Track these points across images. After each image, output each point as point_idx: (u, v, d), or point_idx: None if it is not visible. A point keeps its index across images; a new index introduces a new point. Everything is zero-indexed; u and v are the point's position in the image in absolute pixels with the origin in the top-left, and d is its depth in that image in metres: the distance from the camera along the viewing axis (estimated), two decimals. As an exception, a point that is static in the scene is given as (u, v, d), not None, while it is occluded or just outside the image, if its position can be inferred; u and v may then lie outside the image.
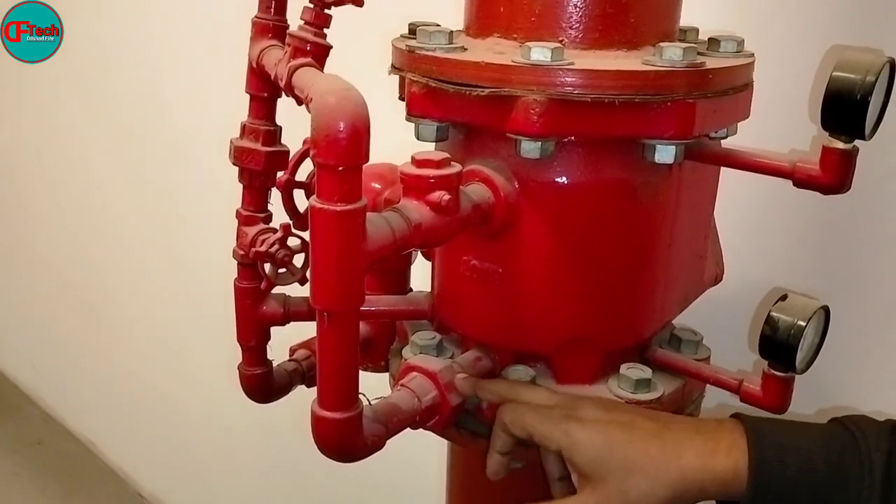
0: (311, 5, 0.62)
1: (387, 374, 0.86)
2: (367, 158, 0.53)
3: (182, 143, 1.83)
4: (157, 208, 2.05)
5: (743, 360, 0.95)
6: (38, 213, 2.59)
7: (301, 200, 0.85)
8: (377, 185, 0.86)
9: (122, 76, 1.94)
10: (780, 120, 0.83)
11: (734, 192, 0.80)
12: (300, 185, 0.86)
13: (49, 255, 2.60)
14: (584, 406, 0.64)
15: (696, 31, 0.78)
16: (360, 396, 0.62)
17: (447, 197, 0.61)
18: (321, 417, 0.59)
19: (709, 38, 0.71)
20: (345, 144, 0.52)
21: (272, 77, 0.64)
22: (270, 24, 0.70)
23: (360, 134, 0.52)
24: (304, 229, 0.87)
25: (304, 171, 0.83)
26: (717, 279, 0.86)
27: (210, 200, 1.69)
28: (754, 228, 0.96)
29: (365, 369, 0.94)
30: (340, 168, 0.53)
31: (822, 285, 0.92)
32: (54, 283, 2.62)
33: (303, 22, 0.63)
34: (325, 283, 0.56)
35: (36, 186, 2.56)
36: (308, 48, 0.62)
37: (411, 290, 0.94)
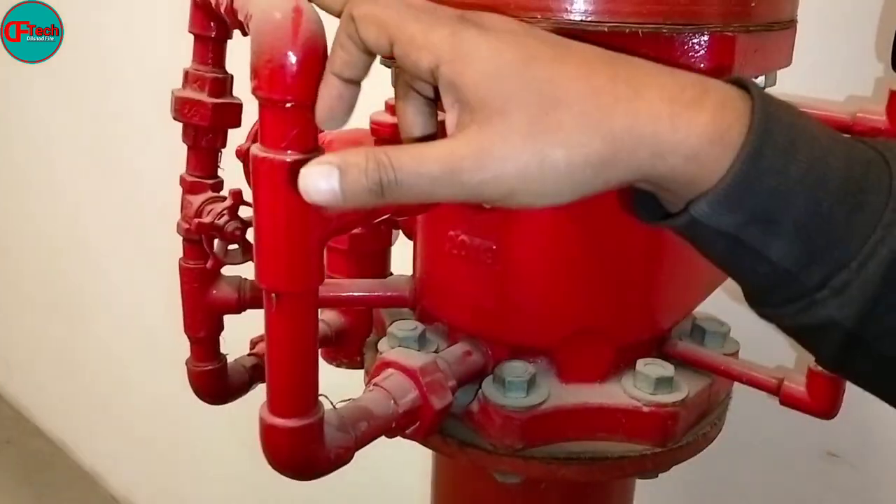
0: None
1: (361, 371, 0.74)
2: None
3: (160, 144, 1.72)
4: (129, 204, 1.94)
5: (777, 354, 0.84)
6: (7, 209, 2.48)
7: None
8: (352, 154, 0.75)
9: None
10: (836, 58, 0.70)
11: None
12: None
13: (20, 252, 2.49)
14: (487, 15, 0.40)
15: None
16: (322, 399, 0.50)
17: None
18: (271, 426, 0.47)
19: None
20: (295, 72, 0.40)
21: (213, 4, 0.52)
22: (216, -50, 0.58)
23: (315, 57, 0.40)
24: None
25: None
26: (744, 262, 0.74)
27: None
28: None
29: (338, 365, 0.82)
30: (289, 104, 0.41)
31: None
32: (25, 280, 2.51)
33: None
34: (273, 255, 0.44)
35: (2, 182, 2.46)
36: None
37: (391, 275, 0.82)
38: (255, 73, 0.40)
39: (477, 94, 0.37)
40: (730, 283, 0.70)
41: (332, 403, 0.52)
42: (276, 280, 0.44)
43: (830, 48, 0.69)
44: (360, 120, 0.60)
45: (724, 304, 0.70)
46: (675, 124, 0.36)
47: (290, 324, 0.46)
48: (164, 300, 1.92)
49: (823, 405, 0.57)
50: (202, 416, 1.82)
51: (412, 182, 0.37)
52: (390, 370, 0.58)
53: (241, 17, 0.45)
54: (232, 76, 0.63)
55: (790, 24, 0.56)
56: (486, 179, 0.37)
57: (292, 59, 0.40)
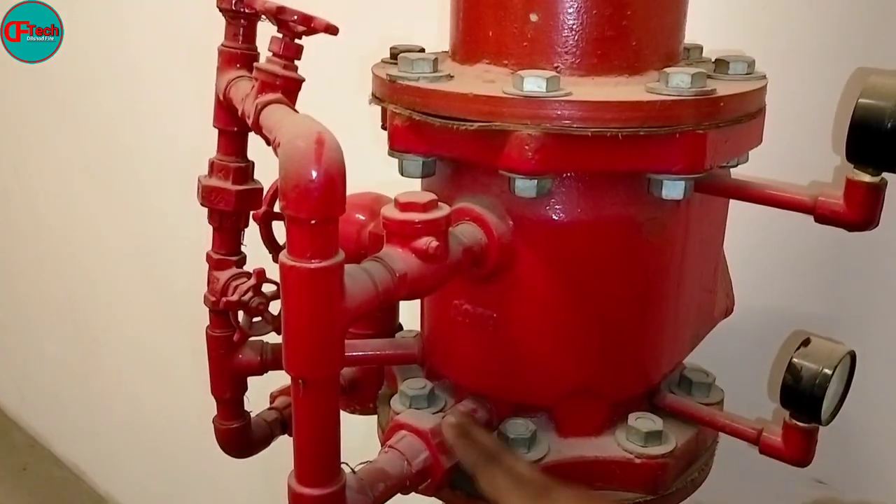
0: (280, 35, 0.56)
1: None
2: (342, 210, 0.47)
3: (167, 160, 1.76)
4: (142, 231, 1.98)
5: (754, 393, 0.89)
6: (25, 239, 2.52)
7: (280, 231, 0.80)
8: (361, 217, 0.80)
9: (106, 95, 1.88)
10: (800, 148, 0.77)
11: (733, 216, 0.74)
12: (278, 216, 0.80)
13: (36, 281, 2.53)
14: (562, 495, 0.58)
15: (700, 49, 0.72)
16: (343, 466, 0.55)
17: (435, 243, 0.55)
18: (299, 494, 0.53)
19: (716, 59, 0.66)
20: (318, 195, 0.46)
21: (239, 112, 0.58)
22: (238, 53, 0.64)
23: (334, 183, 0.46)
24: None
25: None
26: (728, 311, 0.80)
27: (197, 221, 1.63)
28: (758, 253, 0.90)
29: (352, 412, 0.88)
30: (313, 221, 0.47)
31: (832, 313, 0.87)
32: (39, 308, 2.55)
33: (271, 53, 0.57)
34: (300, 347, 0.50)
35: (15, 207, 2.50)
36: (277, 82, 0.56)
37: (400, 325, 0.88)
38: (284, 195, 0.46)
39: None
40: (715, 330, 0.76)
41: (351, 469, 0.58)
42: (304, 368, 0.50)
43: (795, 138, 0.75)
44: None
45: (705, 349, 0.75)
46: None
47: (316, 405, 0.51)
48: (179, 330, 1.98)
49: (798, 455, 0.63)
50: (216, 441, 1.87)
51: None
52: (403, 432, 0.64)
53: (268, 135, 0.51)
54: (253, 163, 0.69)
55: (758, 113, 0.62)
56: None
57: (316, 184, 0.46)
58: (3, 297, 2.72)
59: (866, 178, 0.55)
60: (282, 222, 0.79)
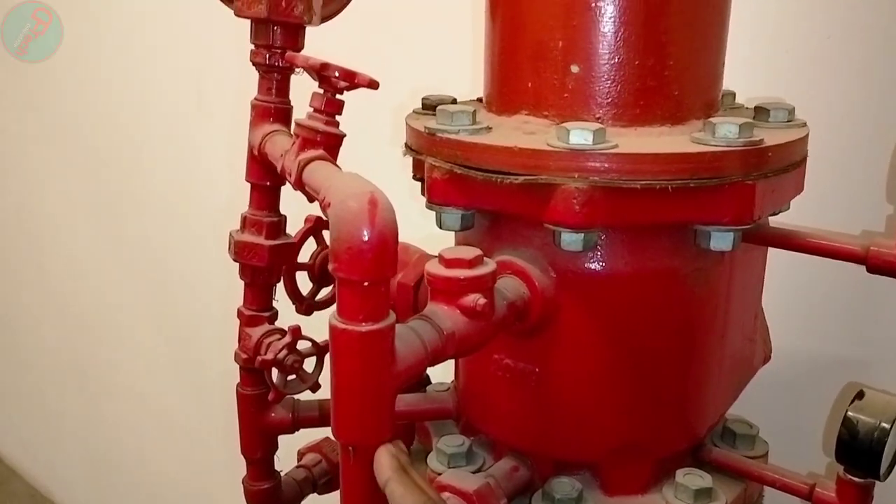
0: (321, 91, 0.55)
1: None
2: (395, 271, 0.46)
3: (170, 198, 1.75)
4: (147, 274, 1.97)
5: (789, 443, 0.88)
6: (27, 287, 2.50)
7: (303, 281, 0.78)
8: (389, 268, 0.79)
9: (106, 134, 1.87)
10: (852, 198, 0.76)
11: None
12: (303, 266, 0.78)
13: (38, 332, 2.50)
14: None
15: (733, 95, 0.72)
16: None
17: (483, 300, 0.53)
18: (348, 565, 0.51)
19: (756, 107, 0.65)
20: (371, 257, 0.45)
21: (278, 169, 0.57)
22: (272, 108, 0.63)
23: (388, 244, 0.45)
24: (307, 314, 0.80)
25: (307, 249, 0.76)
26: (766, 359, 0.78)
27: (201, 264, 1.61)
28: (784, 297, 0.89)
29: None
30: (366, 283, 0.45)
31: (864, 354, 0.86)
32: (40, 355, 2.52)
33: (312, 109, 0.56)
34: (351, 414, 0.48)
35: (22, 260, 2.48)
36: (318, 139, 0.55)
37: (428, 377, 0.86)
38: (336, 256, 0.45)
39: None
40: (755, 379, 0.74)
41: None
42: (354, 435, 0.48)
43: (848, 188, 0.74)
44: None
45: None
46: None
47: (367, 473, 0.49)
48: (182, 377, 1.95)
49: None
50: (220, 492, 1.83)
51: None
52: (447, 494, 0.61)
53: (312, 193, 0.50)
54: (285, 217, 0.68)
55: (803, 161, 0.61)
56: None
57: (369, 245, 0.44)
58: (5, 345, 2.69)
59: (922, 227, 0.54)
60: (304, 272, 0.79)
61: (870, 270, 0.57)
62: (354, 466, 0.49)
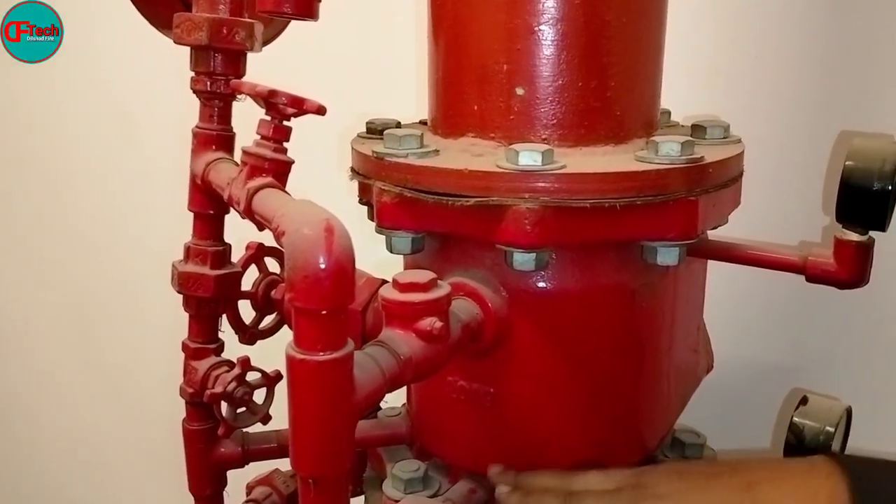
0: (269, 118, 0.54)
1: None
2: (352, 298, 0.45)
3: (102, 232, 1.68)
4: (72, 310, 1.88)
5: (735, 444, 0.90)
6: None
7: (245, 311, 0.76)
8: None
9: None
10: (788, 210, 0.79)
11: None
12: (245, 294, 0.77)
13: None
14: (652, 480, 0.58)
15: (669, 113, 0.74)
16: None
17: (439, 324, 0.53)
18: None
19: (692, 125, 0.67)
20: (329, 285, 0.44)
21: (224, 197, 0.56)
22: (215, 135, 0.62)
23: (346, 272, 0.44)
24: (251, 343, 0.78)
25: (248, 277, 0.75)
26: (709, 369, 0.80)
27: (140, 297, 1.55)
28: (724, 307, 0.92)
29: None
30: (323, 312, 0.44)
31: (802, 360, 0.89)
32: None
33: (259, 136, 0.55)
34: (311, 446, 0.47)
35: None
36: (267, 166, 0.54)
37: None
38: (292, 286, 0.44)
39: None
40: (700, 389, 0.76)
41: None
42: (315, 467, 0.47)
43: (784, 200, 0.77)
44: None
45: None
46: None
47: (327, 505, 0.48)
48: (126, 420, 1.86)
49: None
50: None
51: None
52: (406, 521, 0.61)
53: (263, 221, 0.49)
54: (230, 245, 0.67)
55: (740, 176, 0.64)
56: None
57: (326, 273, 0.43)
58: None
59: (855, 237, 0.56)
60: (247, 301, 0.77)
61: (809, 280, 0.59)
62: (315, 499, 0.48)
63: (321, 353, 0.45)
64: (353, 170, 0.66)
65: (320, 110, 0.52)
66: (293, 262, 0.44)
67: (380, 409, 0.83)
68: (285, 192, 0.54)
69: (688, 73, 0.82)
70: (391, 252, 0.63)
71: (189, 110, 0.64)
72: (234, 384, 0.62)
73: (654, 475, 0.58)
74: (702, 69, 0.85)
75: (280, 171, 0.54)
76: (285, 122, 0.54)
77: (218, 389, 0.61)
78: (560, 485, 0.60)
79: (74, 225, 1.72)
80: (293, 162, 0.55)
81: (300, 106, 0.52)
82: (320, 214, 0.45)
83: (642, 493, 0.56)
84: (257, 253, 0.73)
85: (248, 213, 0.52)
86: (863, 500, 0.50)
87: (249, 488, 0.79)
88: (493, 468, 0.62)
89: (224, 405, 0.64)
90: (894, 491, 0.51)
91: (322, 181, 0.71)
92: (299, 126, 0.65)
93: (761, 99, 0.82)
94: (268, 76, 0.61)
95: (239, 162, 0.56)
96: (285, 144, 0.55)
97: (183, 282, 0.64)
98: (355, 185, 0.66)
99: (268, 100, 0.52)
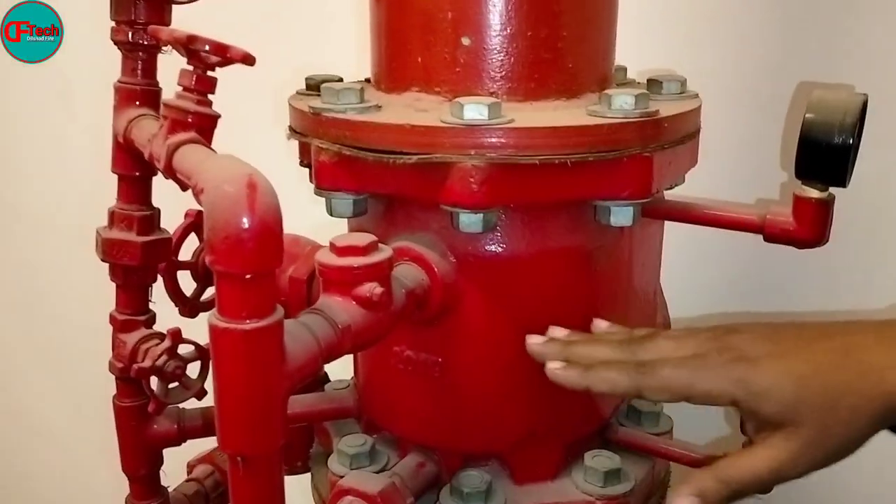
0: (191, 68, 0.49)
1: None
2: (280, 261, 0.42)
3: (24, 199, 1.60)
4: (9, 281, 1.81)
5: (691, 411, 0.88)
6: None
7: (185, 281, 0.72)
8: (278, 261, 0.74)
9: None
10: (745, 167, 0.76)
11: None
12: (185, 265, 0.72)
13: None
14: (740, 342, 0.50)
15: (625, 70, 0.71)
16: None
17: (379, 290, 0.50)
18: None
19: (648, 80, 0.64)
20: (252, 247, 0.40)
21: (146, 155, 0.51)
22: (138, 90, 0.57)
23: (271, 232, 0.40)
24: (192, 316, 0.74)
25: (188, 246, 0.71)
26: (666, 334, 0.78)
27: (67, 267, 1.50)
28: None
29: (279, 473, 0.81)
30: (248, 276, 0.41)
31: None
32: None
33: (181, 88, 0.51)
34: (238, 422, 0.43)
35: None
36: (190, 120, 0.49)
37: (326, 374, 0.82)
38: (212, 248, 0.40)
39: (775, 419, 0.48)
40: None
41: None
42: (243, 444, 0.44)
43: (740, 156, 0.75)
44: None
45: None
46: None
47: (258, 485, 0.45)
48: (58, 396, 1.79)
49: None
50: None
51: (748, 486, 0.48)
52: (350, 498, 0.58)
53: (184, 179, 0.45)
54: (159, 210, 0.62)
55: (697, 133, 0.61)
56: (800, 473, 0.49)
57: (250, 234, 0.40)
58: None
59: (815, 193, 0.54)
60: (187, 271, 0.73)
61: (767, 239, 0.57)
62: (244, 478, 0.44)
63: (247, 322, 0.41)
64: (290, 128, 0.61)
65: (246, 58, 0.48)
66: (212, 222, 0.40)
67: (328, 381, 0.80)
68: (210, 148, 0.50)
69: (642, 27, 0.79)
70: (331, 215, 0.59)
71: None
72: (164, 358, 0.58)
73: (740, 337, 0.51)
74: (656, 23, 0.82)
75: (204, 125, 0.50)
76: (209, 73, 0.50)
77: (146, 363, 0.57)
78: (625, 354, 0.53)
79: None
80: (219, 116, 0.51)
81: (224, 53, 0.47)
82: (242, 169, 0.41)
83: (732, 356, 0.49)
84: (196, 220, 0.69)
85: (169, 171, 0.47)
86: None
87: (190, 467, 0.76)
88: (532, 339, 0.55)
89: (155, 380, 0.60)
90: None
91: (259, 141, 0.67)
92: (233, 82, 0.61)
93: (717, 52, 0.80)
94: (200, 30, 0.56)
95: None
96: (210, 97, 0.51)
97: (107, 249, 0.59)
98: (297, 147, 0.62)
99: (188, 46, 0.48)
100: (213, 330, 0.42)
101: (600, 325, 0.57)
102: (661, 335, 0.54)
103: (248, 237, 0.40)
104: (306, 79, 0.66)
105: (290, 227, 0.71)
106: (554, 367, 0.53)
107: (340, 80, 0.66)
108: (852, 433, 0.47)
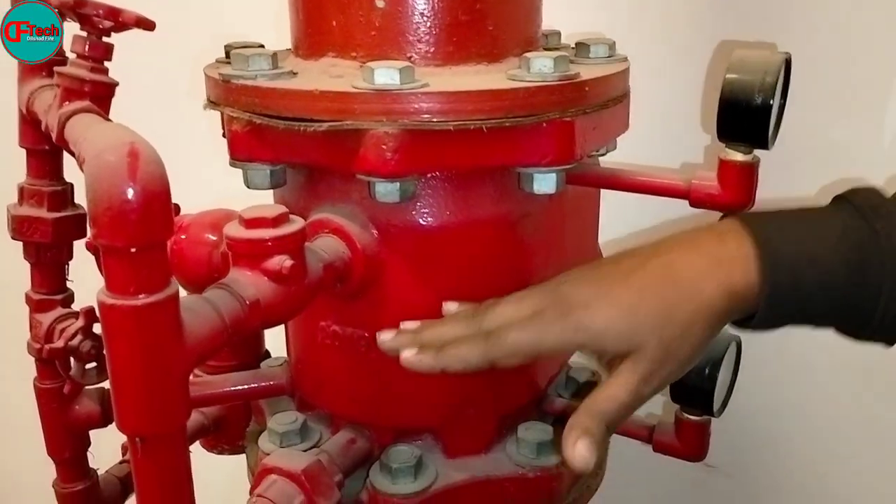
0: (84, 34, 0.47)
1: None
2: (170, 233, 0.40)
3: None
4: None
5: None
6: None
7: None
8: (212, 237, 0.71)
9: None
10: (667, 130, 0.75)
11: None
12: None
13: None
14: (570, 291, 0.52)
15: (559, 34, 0.70)
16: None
17: (289, 262, 0.48)
18: (150, 571, 0.45)
19: (576, 43, 0.62)
20: (136, 219, 0.38)
21: (42, 127, 0.49)
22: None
23: (156, 202, 0.38)
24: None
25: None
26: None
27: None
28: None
29: (220, 453, 0.80)
30: (133, 249, 0.39)
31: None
32: None
33: (75, 55, 0.48)
34: (134, 401, 0.42)
35: None
36: (85, 88, 0.47)
37: (267, 352, 0.80)
38: (95, 221, 0.38)
39: (618, 350, 0.51)
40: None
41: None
42: (140, 425, 0.42)
43: (663, 120, 0.73)
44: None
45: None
46: (730, 297, 0.50)
47: (160, 466, 0.43)
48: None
49: (693, 450, 0.61)
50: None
51: (617, 413, 0.50)
52: (273, 477, 0.56)
53: (74, 152, 0.43)
54: (72, 185, 0.60)
55: (624, 97, 0.59)
56: (657, 388, 0.51)
57: (133, 205, 0.38)
58: None
59: (739, 156, 0.53)
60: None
61: (693, 205, 0.56)
62: (144, 460, 0.43)
63: (137, 297, 0.40)
64: (207, 98, 0.59)
65: (142, 22, 0.46)
66: (94, 193, 0.38)
67: (268, 358, 0.79)
68: (105, 117, 0.47)
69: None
70: (248, 187, 0.57)
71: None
72: (79, 337, 0.57)
73: (569, 286, 0.53)
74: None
75: (100, 93, 0.48)
76: (104, 38, 0.47)
77: (60, 343, 0.56)
78: (472, 329, 0.53)
79: None
80: (116, 84, 0.49)
81: (117, 18, 0.45)
82: (125, 137, 0.39)
83: (566, 308, 0.51)
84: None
85: (61, 141, 0.45)
86: (771, 267, 0.49)
87: (124, 449, 0.74)
88: (383, 336, 0.55)
89: (72, 361, 0.58)
90: (804, 252, 0.50)
91: (174, 113, 0.64)
92: (149, 51, 0.58)
93: (637, 10, 0.78)
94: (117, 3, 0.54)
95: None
96: (106, 64, 0.48)
97: (17, 226, 0.57)
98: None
99: (77, 11, 0.45)
100: (101, 306, 0.40)
101: (450, 306, 0.57)
102: (502, 302, 0.54)
103: (130, 209, 0.38)
104: (225, 47, 0.63)
105: (220, 202, 0.69)
106: (407, 356, 0.53)
107: (261, 47, 0.64)
108: (692, 341, 0.51)
